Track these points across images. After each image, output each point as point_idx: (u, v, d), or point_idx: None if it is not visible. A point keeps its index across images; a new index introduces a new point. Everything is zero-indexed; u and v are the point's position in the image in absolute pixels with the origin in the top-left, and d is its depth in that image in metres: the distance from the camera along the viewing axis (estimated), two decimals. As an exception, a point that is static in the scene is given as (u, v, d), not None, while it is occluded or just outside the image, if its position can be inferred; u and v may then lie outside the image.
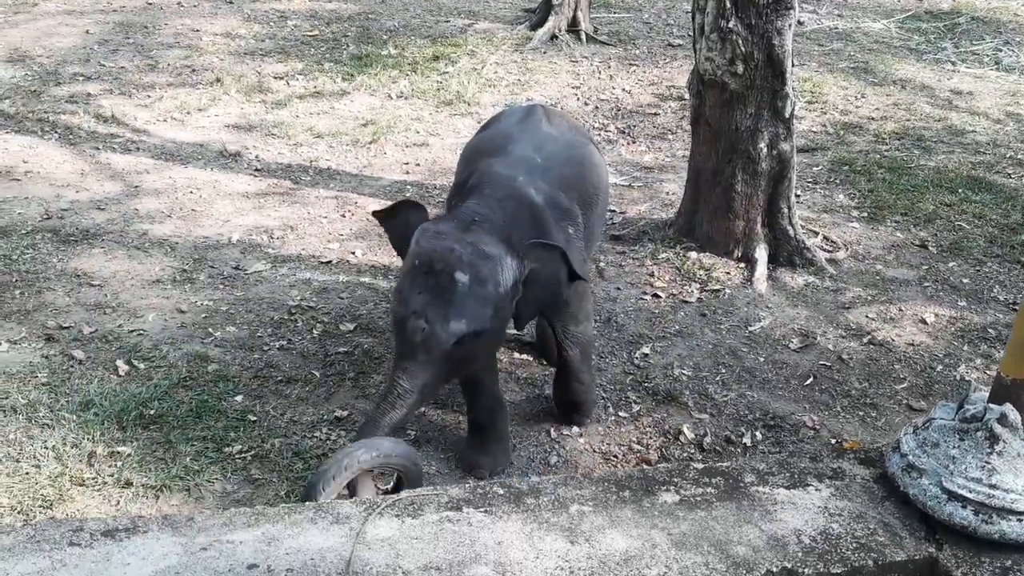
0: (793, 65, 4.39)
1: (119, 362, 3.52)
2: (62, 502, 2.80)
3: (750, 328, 4.02)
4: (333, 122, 6.20)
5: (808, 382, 3.67)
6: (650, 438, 3.32)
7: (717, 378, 3.66)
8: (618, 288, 4.30)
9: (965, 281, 4.49)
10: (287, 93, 6.66)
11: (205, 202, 5.00)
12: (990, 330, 4.06)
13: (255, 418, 3.26)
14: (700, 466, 2.18)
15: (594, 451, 3.26)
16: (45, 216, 4.68)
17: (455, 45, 7.87)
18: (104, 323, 3.79)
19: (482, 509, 1.97)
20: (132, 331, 3.74)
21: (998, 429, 1.94)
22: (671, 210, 5.04)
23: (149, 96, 6.43)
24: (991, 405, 2.01)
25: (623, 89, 7.12)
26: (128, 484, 2.90)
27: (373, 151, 5.82)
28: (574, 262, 2.98)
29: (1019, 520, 1.89)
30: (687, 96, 4.94)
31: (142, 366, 3.52)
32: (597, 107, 6.76)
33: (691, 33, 4.60)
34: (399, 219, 2.93)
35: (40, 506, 2.77)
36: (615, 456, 3.24)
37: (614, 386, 3.60)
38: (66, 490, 2.84)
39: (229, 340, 3.73)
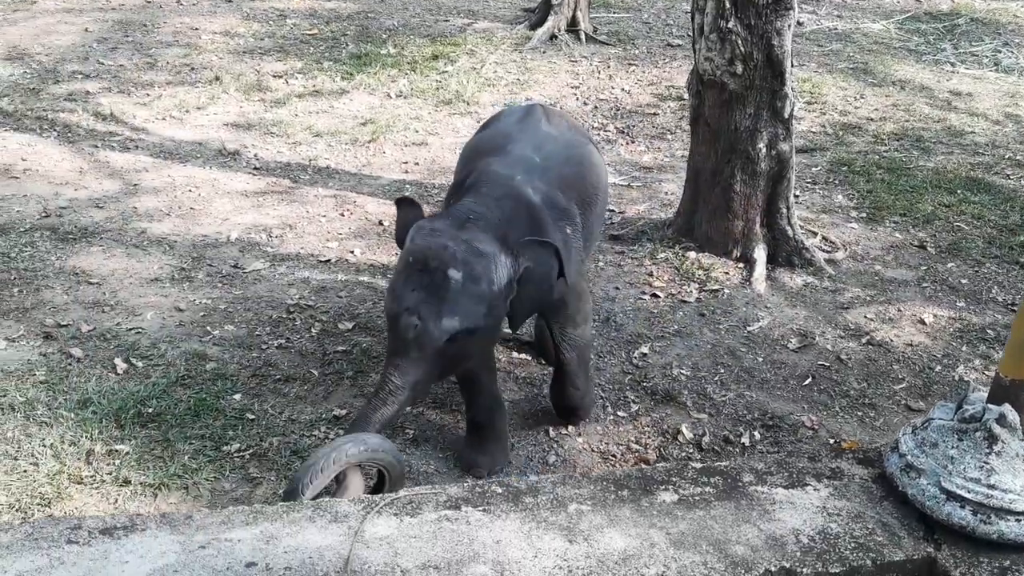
0: (792, 66, 4.39)
1: (117, 360, 3.52)
2: (60, 500, 2.79)
3: (749, 328, 4.02)
4: (332, 121, 6.20)
5: (807, 382, 3.67)
6: (648, 438, 3.32)
7: (716, 378, 3.66)
8: (617, 288, 4.30)
9: (964, 282, 4.49)
10: (286, 92, 6.65)
11: (204, 200, 4.99)
12: (989, 331, 4.07)
13: (253, 416, 3.26)
14: (699, 466, 2.18)
15: (592, 450, 3.26)
16: (44, 214, 4.68)
17: (454, 44, 7.87)
18: (102, 321, 3.78)
19: (481, 508, 1.97)
20: (130, 329, 3.74)
21: (997, 429, 1.95)
22: (670, 210, 5.04)
23: (148, 94, 6.42)
24: (990, 405, 2.01)
25: (622, 89, 7.12)
26: (126, 482, 2.89)
27: (372, 150, 5.82)
28: (572, 262, 2.98)
29: (1017, 520, 1.90)
30: (686, 96, 4.94)
31: (140, 364, 3.51)
32: (596, 107, 6.76)
33: (690, 33, 4.60)
34: (400, 216, 2.94)
35: (38, 504, 2.77)
36: (613, 455, 3.24)
37: (612, 385, 3.60)
38: (64, 488, 2.83)
39: (227, 339, 3.72)
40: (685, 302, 4.21)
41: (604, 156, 4.37)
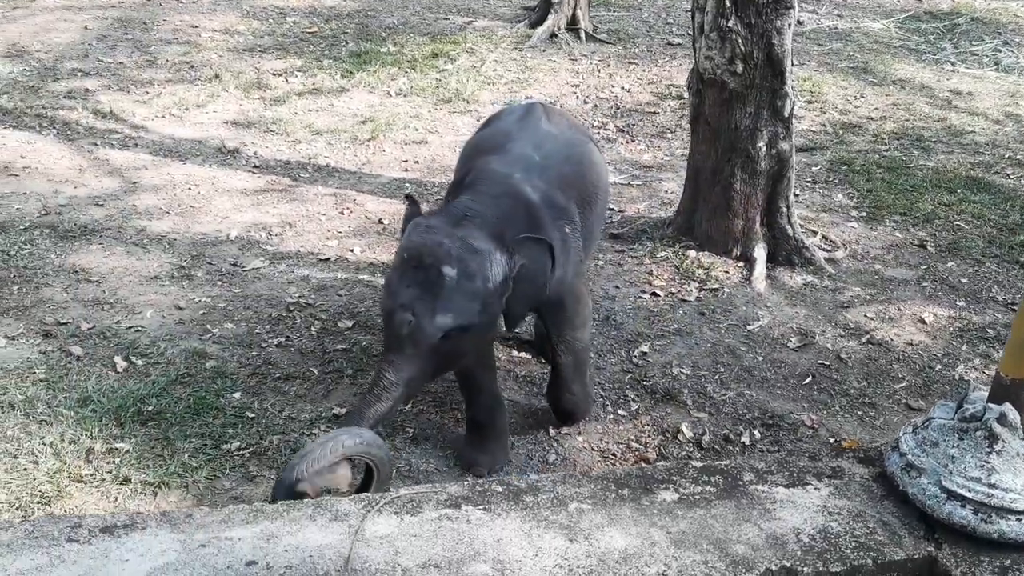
0: (792, 64, 4.39)
1: (117, 358, 3.52)
2: (60, 498, 2.79)
3: (749, 327, 4.02)
4: (332, 119, 6.19)
5: (807, 381, 3.67)
6: (649, 436, 3.32)
7: (716, 377, 3.66)
8: (617, 286, 4.30)
9: (964, 281, 4.49)
10: (286, 90, 6.65)
11: (203, 199, 4.99)
12: (989, 330, 4.07)
13: (253, 415, 3.26)
14: (699, 464, 2.19)
15: (592, 449, 3.26)
16: (43, 212, 4.67)
17: (454, 43, 7.87)
18: (102, 319, 3.78)
19: (481, 507, 1.97)
20: (130, 327, 3.74)
21: (997, 429, 1.95)
22: (670, 209, 5.04)
23: (147, 92, 6.42)
24: (990, 405, 2.01)
25: (622, 88, 7.12)
26: (126, 480, 2.89)
27: (372, 148, 5.81)
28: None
29: (1018, 519, 1.90)
30: (686, 95, 4.94)
31: (140, 362, 3.51)
32: (596, 105, 6.75)
33: (690, 32, 4.60)
34: (406, 212, 2.94)
35: (38, 502, 2.76)
36: (613, 454, 3.24)
37: (612, 384, 3.60)
38: (64, 486, 2.83)
39: (227, 337, 3.72)
40: (685, 301, 4.21)
41: (604, 155, 4.36)
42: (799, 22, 6.98)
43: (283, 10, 8.60)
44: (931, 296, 4.35)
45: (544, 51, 7.85)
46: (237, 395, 3.36)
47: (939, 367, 3.80)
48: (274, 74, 6.92)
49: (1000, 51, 8.54)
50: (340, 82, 6.82)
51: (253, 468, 3.00)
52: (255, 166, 5.45)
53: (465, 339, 2.66)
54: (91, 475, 2.90)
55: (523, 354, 3.77)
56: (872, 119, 6.67)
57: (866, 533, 1.95)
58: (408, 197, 2.96)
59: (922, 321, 4.13)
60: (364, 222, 4.83)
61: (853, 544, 1.92)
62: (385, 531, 1.87)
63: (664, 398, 3.52)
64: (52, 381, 3.34)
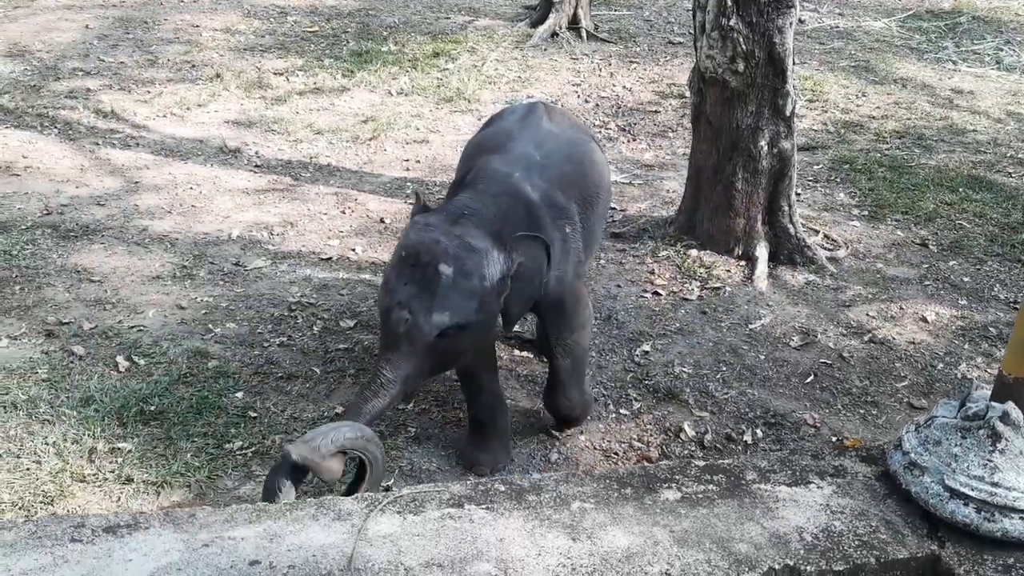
0: (794, 63, 4.38)
1: (119, 358, 3.52)
2: (63, 498, 2.79)
3: (751, 326, 4.02)
4: (333, 118, 6.20)
5: (809, 380, 3.67)
6: (651, 435, 3.32)
7: (718, 376, 3.66)
8: (618, 286, 4.30)
9: (966, 279, 4.49)
10: (287, 89, 6.65)
11: (205, 198, 4.99)
12: (991, 328, 4.06)
13: (256, 414, 3.26)
14: (701, 463, 2.18)
15: (595, 448, 3.26)
16: (45, 211, 4.67)
17: (455, 42, 7.86)
18: (104, 319, 3.78)
19: (484, 506, 1.97)
20: (132, 327, 3.74)
21: (1000, 427, 1.95)
22: (672, 208, 5.03)
23: (149, 92, 6.42)
24: (993, 403, 2.01)
25: (624, 87, 7.11)
26: (129, 480, 2.89)
27: (373, 148, 5.81)
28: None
29: (1021, 518, 1.90)
30: (688, 94, 4.94)
31: (142, 362, 3.51)
32: (598, 105, 6.75)
33: (692, 31, 4.59)
34: (412, 211, 2.94)
35: (41, 502, 2.77)
36: (616, 453, 3.24)
37: (615, 383, 3.60)
38: (67, 486, 2.83)
39: (229, 336, 3.72)
40: (687, 300, 4.21)
41: (606, 154, 4.36)
42: (800, 21, 6.99)
43: (284, 9, 8.60)
44: (933, 295, 4.35)
45: (545, 50, 7.85)
46: (239, 395, 3.36)
47: (941, 366, 3.80)
48: (275, 73, 6.92)
49: (1002, 50, 8.53)
50: (341, 81, 6.82)
51: (256, 467, 3.00)
52: (256, 165, 5.46)
53: (462, 337, 2.65)
54: (94, 475, 2.91)
55: (525, 353, 3.77)
56: (874, 118, 6.67)
57: (869, 532, 1.95)
58: (415, 195, 2.96)
59: (924, 320, 4.13)
60: (366, 221, 4.83)
61: (856, 543, 1.92)
62: (388, 530, 1.87)
63: (666, 397, 3.52)
64: (54, 381, 3.34)
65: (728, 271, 4.45)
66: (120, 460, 2.97)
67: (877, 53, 8.22)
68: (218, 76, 6.74)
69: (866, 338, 3.97)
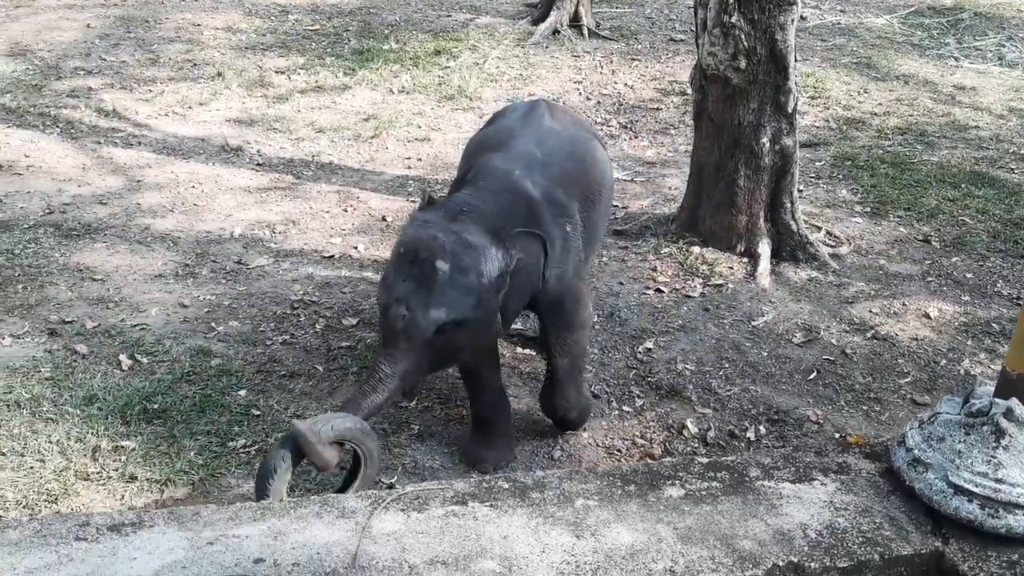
0: (796, 60, 4.38)
1: (122, 356, 3.52)
2: (67, 496, 2.80)
3: (753, 323, 4.02)
4: (335, 117, 6.19)
5: (811, 376, 3.67)
6: (654, 432, 3.32)
7: (720, 373, 3.66)
8: (621, 283, 4.30)
9: (968, 276, 4.48)
10: (288, 87, 6.65)
11: (207, 196, 4.99)
12: (994, 325, 4.06)
13: (259, 412, 3.26)
14: (705, 460, 2.19)
15: (598, 445, 3.26)
16: (47, 210, 4.68)
17: (457, 40, 7.86)
18: (107, 317, 3.79)
19: (487, 503, 1.97)
20: (135, 326, 3.74)
21: (1004, 423, 1.95)
22: (674, 205, 5.03)
23: (150, 90, 6.42)
24: (997, 399, 2.01)
25: (625, 84, 7.11)
26: (133, 478, 2.90)
27: (375, 146, 5.81)
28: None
29: (1025, 514, 1.89)
30: (689, 91, 4.93)
31: (145, 361, 3.52)
32: (599, 102, 6.75)
33: (693, 28, 4.59)
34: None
35: (45, 500, 2.77)
36: (619, 450, 3.24)
37: (617, 381, 3.59)
38: (71, 484, 2.84)
39: (232, 335, 3.73)
40: (689, 297, 4.20)
41: (608, 151, 4.36)
42: (802, 18, 6.97)
43: (285, 7, 8.60)
44: (936, 291, 4.34)
45: (547, 48, 7.85)
46: (242, 393, 3.36)
47: (944, 362, 3.79)
48: (277, 72, 6.92)
49: (1004, 46, 8.52)
50: (343, 79, 6.82)
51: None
52: (258, 164, 5.46)
53: (460, 334, 2.65)
54: (97, 473, 2.91)
55: (527, 351, 3.77)
56: (876, 115, 6.66)
57: (873, 528, 1.95)
58: (426, 196, 2.94)
59: (927, 316, 4.13)
60: (367, 219, 4.83)
61: (860, 539, 1.92)
62: (392, 528, 1.88)
63: (669, 394, 3.52)
64: (58, 379, 3.35)
65: (730, 268, 4.45)
66: (124, 458, 2.98)
67: (879, 50, 8.21)
68: (219, 75, 6.74)
69: (869, 334, 3.97)
